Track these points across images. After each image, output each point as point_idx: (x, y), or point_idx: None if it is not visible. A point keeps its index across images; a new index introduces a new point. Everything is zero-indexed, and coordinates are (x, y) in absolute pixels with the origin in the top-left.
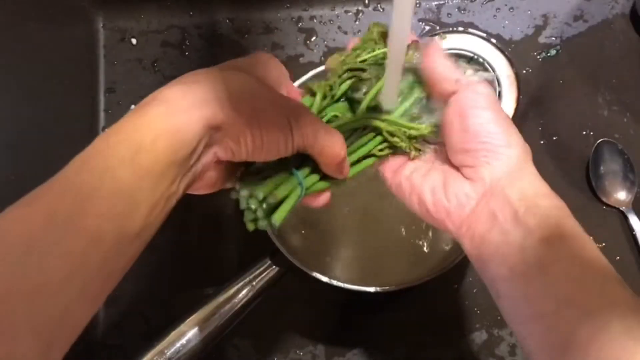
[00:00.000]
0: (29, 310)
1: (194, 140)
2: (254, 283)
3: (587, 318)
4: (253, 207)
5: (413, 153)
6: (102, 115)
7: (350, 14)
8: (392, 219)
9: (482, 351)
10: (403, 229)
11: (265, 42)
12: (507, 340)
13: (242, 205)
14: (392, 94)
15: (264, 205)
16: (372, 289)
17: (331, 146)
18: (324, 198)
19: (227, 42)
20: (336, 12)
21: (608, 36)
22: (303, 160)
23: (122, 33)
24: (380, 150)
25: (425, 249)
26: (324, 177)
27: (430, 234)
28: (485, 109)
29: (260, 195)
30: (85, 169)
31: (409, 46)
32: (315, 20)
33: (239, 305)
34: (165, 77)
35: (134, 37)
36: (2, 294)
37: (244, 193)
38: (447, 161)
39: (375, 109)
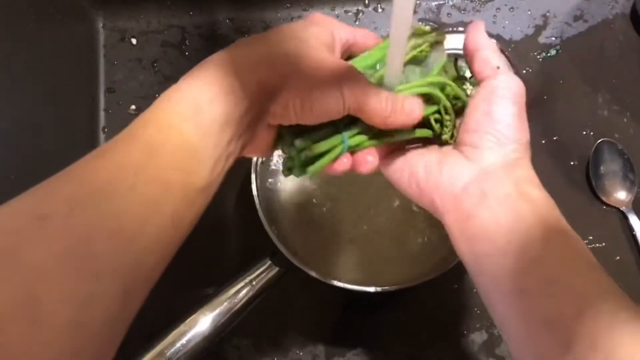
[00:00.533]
0: (109, 251)
1: (247, 101)
2: (254, 283)
3: (573, 296)
4: (292, 154)
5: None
6: (102, 115)
7: (350, 14)
8: (392, 219)
9: (482, 351)
10: (403, 230)
11: None
12: None
13: (283, 152)
14: (395, 70)
15: (303, 157)
16: (372, 289)
17: (381, 108)
18: (346, 164)
19: (227, 42)
20: (336, 12)
21: (608, 36)
22: (353, 121)
23: (122, 33)
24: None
25: (425, 249)
26: (375, 136)
27: (431, 234)
28: (513, 104)
29: (299, 144)
30: (151, 124)
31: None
32: None
33: (239, 305)
34: (165, 77)
35: (134, 37)
36: (85, 235)
37: (285, 140)
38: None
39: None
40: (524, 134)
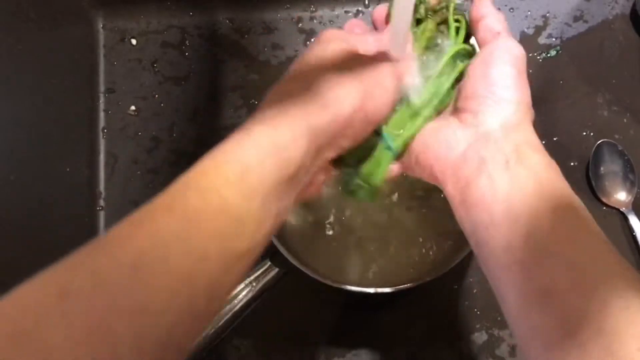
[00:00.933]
0: (133, 329)
1: (302, 156)
2: (254, 284)
3: (570, 269)
4: (354, 183)
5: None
6: (102, 115)
7: (350, 14)
8: (392, 220)
9: (482, 352)
10: (404, 230)
11: (265, 42)
12: (507, 340)
13: (347, 187)
14: (399, 41)
15: (362, 182)
16: (372, 290)
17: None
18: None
19: (227, 42)
20: (336, 12)
21: (608, 36)
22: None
23: (122, 33)
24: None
25: (425, 249)
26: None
27: (431, 235)
28: (511, 66)
29: (357, 177)
30: (191, 189)
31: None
32: (315, 21)
33: (239, 306)
34: (165, 77)
35: (134, 37)
36: (107, 313)
37: (345, 176)
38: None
39: None
40: (524, 95)
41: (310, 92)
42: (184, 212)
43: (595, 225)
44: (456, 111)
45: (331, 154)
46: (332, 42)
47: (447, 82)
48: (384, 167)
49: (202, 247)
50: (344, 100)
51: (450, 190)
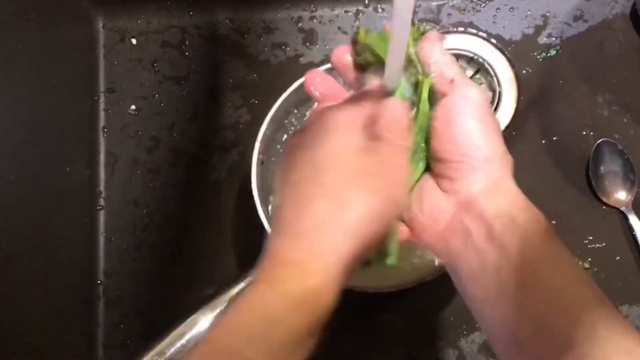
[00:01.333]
0: None
1: (334, 296)
2: None
3: (566, 348)
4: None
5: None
6: (102, 115)
7: (350, 14)
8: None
9: (482, 351)
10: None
11: (265, 42)
12: None
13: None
14: (394, 73)
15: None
16: (372, 290)
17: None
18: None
19: (227, 42)
20: (336, 12)
21: (608, 36)
22: None
23: (122, 33)
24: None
25: (425, 250)
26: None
27: None
28: (473, 118)
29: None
30: (214, 350)
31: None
32: (315, 21)
33: None
34: (165, 77)
35: (134, 37)
36: None
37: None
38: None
39: None
40: (496, 149)
41: (334, 206)
42: None
43: (585, 277)
44: (433, 173)
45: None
46: (339, 133)
47: (425, 117)
48: (395, 238)
49: None
50: (372, 215)
51: (445, 262)
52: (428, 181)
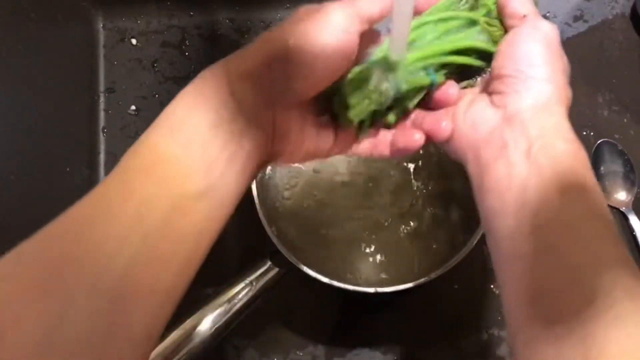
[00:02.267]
0: (85, 271)
1: (239, 100)
2: (254, 283)
3: (567, 270)
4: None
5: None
6: (102, 115)
7: None
8: (393, 220)
9: (482, 352)
10: (404, 231)
11: None
12: (508, 340)
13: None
14: (401, 43)
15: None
16: (372, 290)
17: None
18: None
19: (227, 42)
20: None
21: (608, 36)
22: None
23: (122, 33)
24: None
25: (425, 250)
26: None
27: (432, 235)
28: (538, 42)
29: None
30: (131, 151)
31: None
32: None
33: (238, 306)
34: (165, 77)
35: (134, 37)
36: (57, 261)
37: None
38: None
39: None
40: (555, 74)
41: (261, 42)
42: (124, 169)
43: (609, 220)
44: (486, 92)
45: (291, 98)
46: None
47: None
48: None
49: (144, 193)
50: (279, 39)
51: (471, 170)
52: (479, 96)
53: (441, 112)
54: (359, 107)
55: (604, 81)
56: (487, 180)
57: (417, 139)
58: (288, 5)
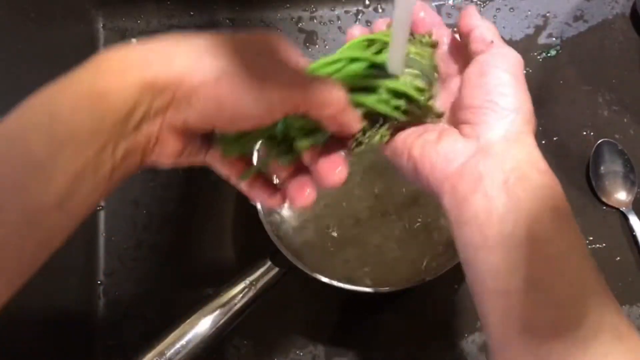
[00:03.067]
0: None
1: (126, 104)
2: (254, 283)
3: (553, 304)
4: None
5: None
6: None
7: (350, 14)
8: (392, 220)
9: (482, 351)
10: (403, 231)
11: None
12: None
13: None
14: (397, 59)
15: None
16: (372, 290)
17: (328, 95)
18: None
19: None
20: (336, 13)
21: (608, 36)
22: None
23: (122, 33)
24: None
25: (425, 250)
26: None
27: (431, 235)
28: (506, 72)
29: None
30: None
31: (413, 34)
32: (315, 21)
33: (239, 306)
34: None
35: (134, 37)
36: None
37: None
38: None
39: (381, 69)
40: (523, 103)
41: (168, 48)
42: None
43: (586, 251)
44: (456, 122)
45: (175, 117)
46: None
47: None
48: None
49: None
50: (194, 71)
51: (448, 203)
52: (449, 129)
53: (336, 156)
54: (238, 143)
55: (604, 81)
56: (465, 213)
57: (308, 194)
58: (288, 5)
